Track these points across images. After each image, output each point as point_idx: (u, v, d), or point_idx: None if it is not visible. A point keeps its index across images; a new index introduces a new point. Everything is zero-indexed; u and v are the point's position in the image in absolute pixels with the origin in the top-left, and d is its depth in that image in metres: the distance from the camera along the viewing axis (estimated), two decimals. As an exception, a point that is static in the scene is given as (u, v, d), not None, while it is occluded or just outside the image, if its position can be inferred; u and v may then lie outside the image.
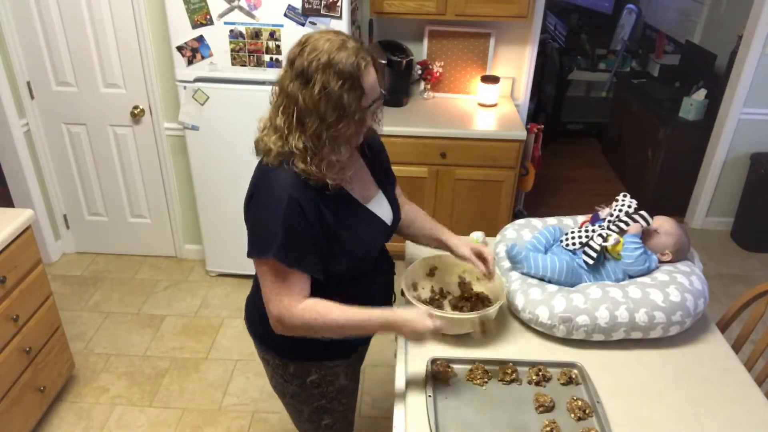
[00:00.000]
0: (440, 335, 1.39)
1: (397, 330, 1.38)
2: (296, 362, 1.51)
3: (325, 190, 1.30)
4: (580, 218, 1.88)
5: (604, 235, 1.66)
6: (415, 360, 1.50)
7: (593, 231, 1.68)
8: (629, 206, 1.69)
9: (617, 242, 1.63)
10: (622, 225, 1.67)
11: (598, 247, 1.64)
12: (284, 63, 1.29)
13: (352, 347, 1.56)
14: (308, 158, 1.26)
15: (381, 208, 1.49)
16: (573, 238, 1.70)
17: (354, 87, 1.23)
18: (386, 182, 1.54)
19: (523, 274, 1.69)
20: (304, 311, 1.31)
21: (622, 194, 1.73)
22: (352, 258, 1.39)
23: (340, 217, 1.35)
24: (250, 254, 1.32)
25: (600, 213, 1.77)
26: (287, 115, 1.25)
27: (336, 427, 1.68)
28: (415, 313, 1.37)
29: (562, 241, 1.73)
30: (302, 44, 1.25)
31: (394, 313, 1.38)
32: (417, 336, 1.36)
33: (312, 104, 1.22)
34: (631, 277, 1.66)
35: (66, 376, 2.49)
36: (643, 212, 1.67)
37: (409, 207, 1.68)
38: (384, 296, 1.60)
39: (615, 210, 1.71)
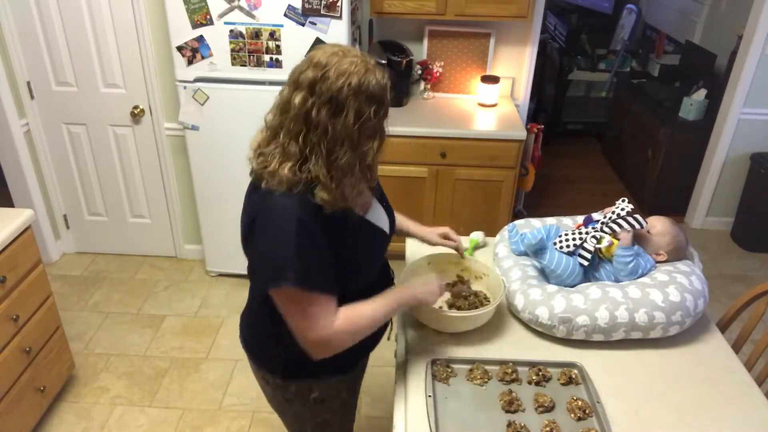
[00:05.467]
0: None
1: (412, 302, 1.44)
2: (298, 381, 1.47)
3: (347, 218, 1.26)
4: (579, 219, 1.88)
5: (598, 237, 1.66)
6: (415, 360, 1.50)
7: (587, 233, 1.68)
8: (623, 209, 1.70)
9: (610, 244, 1.64)
10: (615, 227, 1.67)
11: (591, 248, 1.64)
12: (293, 86, 1.18)
13: (351, 362, 1.52)
14: (333, 188, 1.19)
15: (379, 216, 1.44)
16: (567, 240, 1.70)
17: (385, 110, 1.21)
18: (377, 186, 1.51)
19: (535, 265, 1.70)
20: (342, 324, 1.27)
21: (620, 199, 1.74)
22: (360, 276, 1.37)
23: (346, 238, 1.29)
24: (264, 287, 1.25)
25: (594, 215, 1.77)
26: (310, 145, 1.17)
27: None
28: (424, 289, 1.45)
29: (555, 243, 1.72)
30: (322, 67, 1.15)
31: (403, 294, 1.41)
32: (428, 300, 1.46)
33: (345, 134, 1.16)
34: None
35: (66, 376, 2.49)
36: (637, 216, 1.67)
37: None
38: None
39: (610, 213, 1.72)
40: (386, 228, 1.45)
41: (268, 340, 1.45)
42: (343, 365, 1.49)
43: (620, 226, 1.66)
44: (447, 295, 1.68)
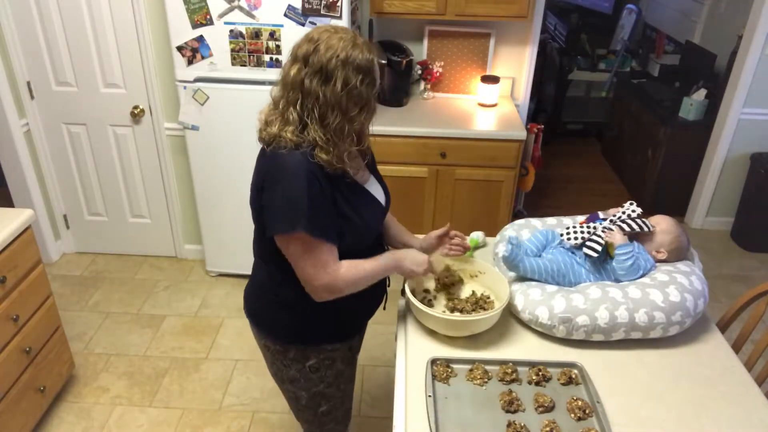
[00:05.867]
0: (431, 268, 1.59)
1: (402, 265, 1.53)
2: (296, 347, 1.57)
3: (344, 178, 1.39)
4: (580, 218, 1.88)
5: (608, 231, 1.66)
6: (415, 360, 1.50)
7: (595, 228, 1.68)
8: (633, 211, 1.70)
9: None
10: (624, 226, 1.67)
11: (602, 241, 1.64)
12: (291, 59, 1.33)
13: (349, 331, 1.62)
14: (331, 149, 1.33)
15: (376, 190, 1.56)
16: (575, 233, 1.70)
17: (371, 80, 1.32)
18: (373, 166, 1.61)
19: (519, 275, 1.69)
20: (347, 271, 1.41)
21: (628, 202, 1.74)
22: (357, 236, 1.46)
23: (346, 198, 1.41)
24: (279, 230, 1.35)
25: (600, 213, 1.77)
26: (306, 111, 1.31)
27: (333, 414, 1.72)
28: (416, 260, 1.54)
29: (562, 235, 1.72)
30: (314, 42, 1.29)
31: (395, 258, 1.53)
32: (416, 267, 1.54)
33: (335, 100, 1.29)
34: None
35: (66, 376, 2.49)
36: (645, 220, 1.67)
37: None
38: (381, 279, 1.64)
39: (619, 213, 1.72)
40: (382, 200, 1.57)
41: (270, 306, 1.54)
42: (341, 334, 1.60)
43: (629, 226, 1.66)
44: (443, 302, 1.68)
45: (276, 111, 1.36)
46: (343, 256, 1.43)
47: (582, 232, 1.69)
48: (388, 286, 1.71)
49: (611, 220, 1.70)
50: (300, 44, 1.32)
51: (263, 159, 1.39)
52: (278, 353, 1.60)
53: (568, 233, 1.71)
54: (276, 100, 1.37)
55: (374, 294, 1.63)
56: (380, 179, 1.61)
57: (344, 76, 1.28)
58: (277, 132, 1.34)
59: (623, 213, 1.72)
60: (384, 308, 1.71)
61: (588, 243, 1.65)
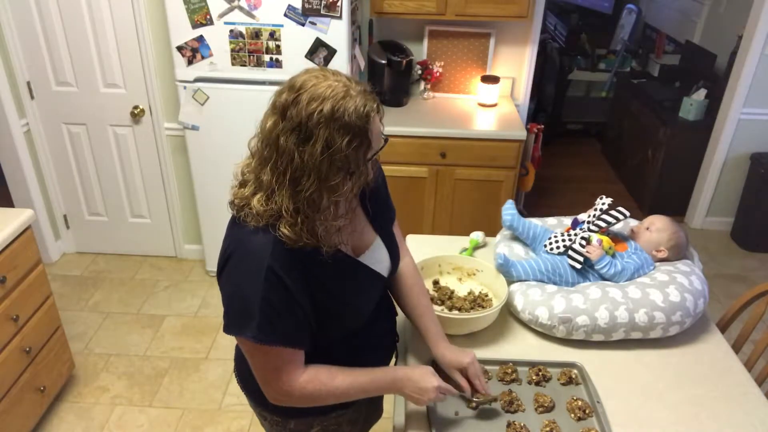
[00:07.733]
0: (443, 396, 1.28)
1: (400, 388, 1.27)
2: (297, 419, 1.39)
3: (317, 255, 1.14)
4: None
5: (587, 237, 1.66)
6: (415, 360, 1.50)
7: (575, 235, 1.68)
8: (604, 204, 1.70)
9: (600, 243, 1.64)
10: (600, 224, 1.67)
11: (582, 252, 1.64)
12: (270, 107, 1.10)
13: None
14: (299, 222, 1.09)
15: (377, 257, 1.32)
16: (557, 242, 1.70)
17: (362, 142, 1.06)
18: (385, 222, 1.38)
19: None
20: (307, 383, 1.19)
21: (599, 197, 1.74)
22: (343, 323, 1.26)
23: (328, 283, 1.19)
24: (227, 331, 1.15)
25: (579, 217, 1.77)
26: (277, 173, 1.07)
27: None
28: (420, 373, 1.28)
29: (545, 246, 1.72)
30: (296, 90, 1.05)
31: (399, 372, 1.29)
32: (419, 396, 1.26)
33: (312, 164, 1.04)
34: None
35: (66, 376, 2.49)
36: (619, 208, 1.68)
37: (405, 266, 1.45)
38: (387, 343, 1.50)
39: (593, 211, 1.72)
40: (384, 271, 1.34)
41: None
42: (347, 402, 1.33)
43: (606, 221, 1.66)
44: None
45: (252, 169, 1.13)
46: (329, 343, 1.25)
47: (564, 241, 1.69)
48: (397, 341, 1.56)
49: (588, 222, 1.70)
50: (281, 90, 1.08)
51: (229, 232, 1.17)
52: (277, 424, 1.41)
53: (550, 243, 1.71)
54: (253, 153, 1.14)
55: (382, 352, 1.47)
56: (387, 233, 1.36)
57: (327, 136, 1.02)
58: (248, 196, 1.11)
59: (595, 209, 1.72)
60: (395, 364, 1.55)
61: (569, 253, 1.66)
